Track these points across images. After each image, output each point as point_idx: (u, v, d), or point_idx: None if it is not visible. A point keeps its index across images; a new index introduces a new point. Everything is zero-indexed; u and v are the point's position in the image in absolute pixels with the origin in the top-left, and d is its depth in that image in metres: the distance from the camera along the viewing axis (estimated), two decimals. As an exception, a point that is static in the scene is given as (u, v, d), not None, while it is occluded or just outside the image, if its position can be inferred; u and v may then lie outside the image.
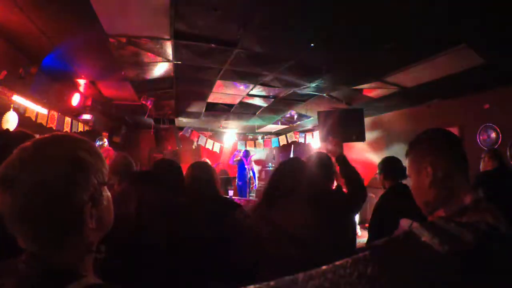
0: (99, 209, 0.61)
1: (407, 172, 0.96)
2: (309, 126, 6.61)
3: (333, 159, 1.86)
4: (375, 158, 5.27)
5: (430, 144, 0.90)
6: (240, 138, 7.93)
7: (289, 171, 1.37)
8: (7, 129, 2.14)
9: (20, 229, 0.54)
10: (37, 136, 0.64)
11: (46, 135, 0.62)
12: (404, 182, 2.35)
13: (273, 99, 4.51)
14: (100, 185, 0.62)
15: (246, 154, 7.00)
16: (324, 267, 0.63)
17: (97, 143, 5.42)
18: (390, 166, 2.34)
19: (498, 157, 2.70)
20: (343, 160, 1.77)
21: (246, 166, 6.90)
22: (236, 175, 7.11)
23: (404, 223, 1.44)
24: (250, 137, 8.09)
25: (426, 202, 0.88)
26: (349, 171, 1.75)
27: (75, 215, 0.57)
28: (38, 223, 0.54)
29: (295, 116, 5.80)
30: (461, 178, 0.84)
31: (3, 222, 0.54)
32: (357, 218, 4.05)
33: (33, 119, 3.40)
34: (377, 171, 2.43)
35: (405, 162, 0.99)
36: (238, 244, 1.36)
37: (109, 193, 0.66)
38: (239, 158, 7.03)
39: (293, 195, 1.27)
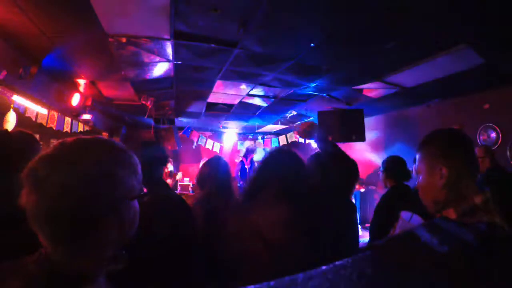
0: (123, 222, 0.60)
1: (416, 169, 0.95)
2: (309, 126, 6.60)
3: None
4: (375, 158, 5.27)
5: (445, 144, 0.89)
6: (240, 138, 7.93)
7: (266, 164, 1.34)
8: (6, 130, 2.14)
9: (41, 228, 0.54)
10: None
11: (88, 137, 0.61)
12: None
13: (273, 99, 4.51)
14: (128, 198, 0.61)
15: (247, 152, 6.97)
16: (324, 267, 0.63)
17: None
18: (393, 165, 2.34)
19: (491, 154, 2.69)
20: (321, 138, 1.73)
21: (246, 166, 6.90)
22: (238, 175, 7.10)
23: (405, 215, 1.43)
24: (250, 137, 8.09)
25: (436, 201, 0.88)
26: (330, 148, 1.69)
27: (95, 224, 0.56)
28: (58, 226, 0.53)
29: (295, 116, 5.80)
30: (472, 179, 0.85)
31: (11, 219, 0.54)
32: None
33: (33, 119, 3.41)
34: (380, 169, 2.42)
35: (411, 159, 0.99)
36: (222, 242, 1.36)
37: (137, 207, 0.64)
38: (240, 159, 7.02)
39: (266, 191, 1.25)
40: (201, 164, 2.08)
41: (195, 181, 2.05)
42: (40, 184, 0.52)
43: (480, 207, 0.78)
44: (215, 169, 1.92)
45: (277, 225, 1.13)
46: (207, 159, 2.15)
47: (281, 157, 1.35)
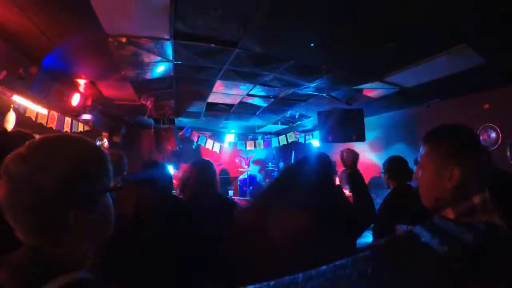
0: (93, 217, 0.62)
1: (421, 161, 0.89)
2: (309, 126, 6.61)
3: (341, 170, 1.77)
4: (375, 158, 5.27)
5: (460, 144, 0.84)
6: (240, 138, 7.92)
7: (290, 172, 1.31)
8: (5, 130, 2.14)
9: (11, 220, 0.57)
10: (37, 136, 0.66)
11: (56, 135, 0.64)
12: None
13: (273, 99, 4.50)
14: (98, 193, 0.63)
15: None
16: (324, 267, 0.63)
17: (97, 143, 5.42)
18: (396, 166, 2.32)
19: (488, 154, 2.67)
20: (356, 173, 1.60)
21: (246, 167, 6.91)
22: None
23: (401, 228, 1.42)
24: (250, 137, 8.09)
25: (438, 199, 0.84)
26: (361, 187, 1.59)
27: (62, 216, 0.58)
28: (26, 218, 0.57)
29: (295, 116, 5.80)
30: (479, 180, 0.81)
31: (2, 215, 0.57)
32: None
33: (33, 119, 3.41)
34: (382, 170, 2.41)
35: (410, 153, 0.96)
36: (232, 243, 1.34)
37: (110, 202, 0.67)
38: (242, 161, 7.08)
39: (287, 199, 1.22)
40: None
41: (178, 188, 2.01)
42: (10, 179, 0.56)
43: (479, 207, 0.77)
44: (195, 174, 1.87)
45: (292, 235, 1.10)
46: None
47: (309, 163, 1.30)
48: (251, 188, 6.73)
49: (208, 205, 1.73)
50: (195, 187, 1.82)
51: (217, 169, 2.12)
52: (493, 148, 3.46)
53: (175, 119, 5.76)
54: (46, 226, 0.58)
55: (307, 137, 6.81)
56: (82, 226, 0.60)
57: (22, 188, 0.55)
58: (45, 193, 0.56)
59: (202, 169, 1.89)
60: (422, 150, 0.90)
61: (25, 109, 3.22)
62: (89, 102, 4.07)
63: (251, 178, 6.91)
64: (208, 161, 2.02)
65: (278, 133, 7.42)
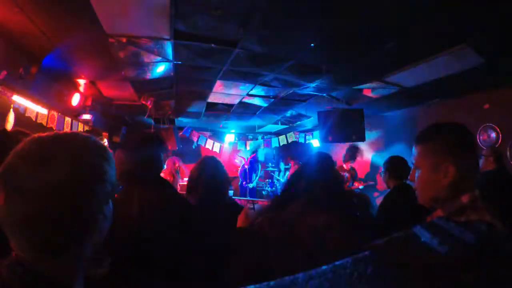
0: (104, 222, 0.57)
1: (416, 162, 0.89)
2: (309, 126, 6.60)
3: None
4: (375, 158, 5.27)
5: (455, 142, 0.83)
6: (240, 138, 7.92)
7: (307, 170, 1.32)
8: (5, 129, 2.14)
9: (16, 233, 0.49)
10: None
11: (66, 132, 0.57)
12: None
13: (273, 99, 4.50)
14: (109, 196, 0.58)
15: (251, 153, 7.06)
16: (324, 267, 0.63)
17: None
18: (396, 165, 2.34)
19: (500, 158, 2.68)
20: None
21: (246, 166, 6.91)
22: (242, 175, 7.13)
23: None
24: (250, 137, 8.09)
25: (435, 198, 0.84)
26: None
27: (82, 227, 0.52)
28: (37, 231, 0.48)
29: (295, 116, 5.80)
30: (472, 178, 0.81)
31: None
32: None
33: (33, 119, 3.40)
34: (382, 170, 2.43)
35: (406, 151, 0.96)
36: (243, 248, 1.34)
37: (111, 206, 0.62)
38: (241, 160, 7.09)
39: (306, 197, 1.22)
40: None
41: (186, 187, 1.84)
42: (20, 185, 0.47)
43: (468, 206, 0.76)
44: (206, 172, 1.75)
45: (320, 232, 1.10)
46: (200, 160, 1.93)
47: (320, 162, 1.32)
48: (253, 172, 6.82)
49: (217, 214, 1.64)
50: (204, 192, 1.71)
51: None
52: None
53: (175, 119, 5.76)
54: (58, 240, 0.50)
55: (307, 137, 6.81)
56: (97, 233, 0.54)
57: (39, 195, 0.47)
58: (71, 198, 0.49)
59: (214, 172, 1.75)
60: (415, 151, 0.90)
61: (25, 109, 3.22)
62: (89, 102, 4.08)
63: (253, 160, 6.95)
64: (218, 161, 1.85)
65: (278, 133, 7.41)
